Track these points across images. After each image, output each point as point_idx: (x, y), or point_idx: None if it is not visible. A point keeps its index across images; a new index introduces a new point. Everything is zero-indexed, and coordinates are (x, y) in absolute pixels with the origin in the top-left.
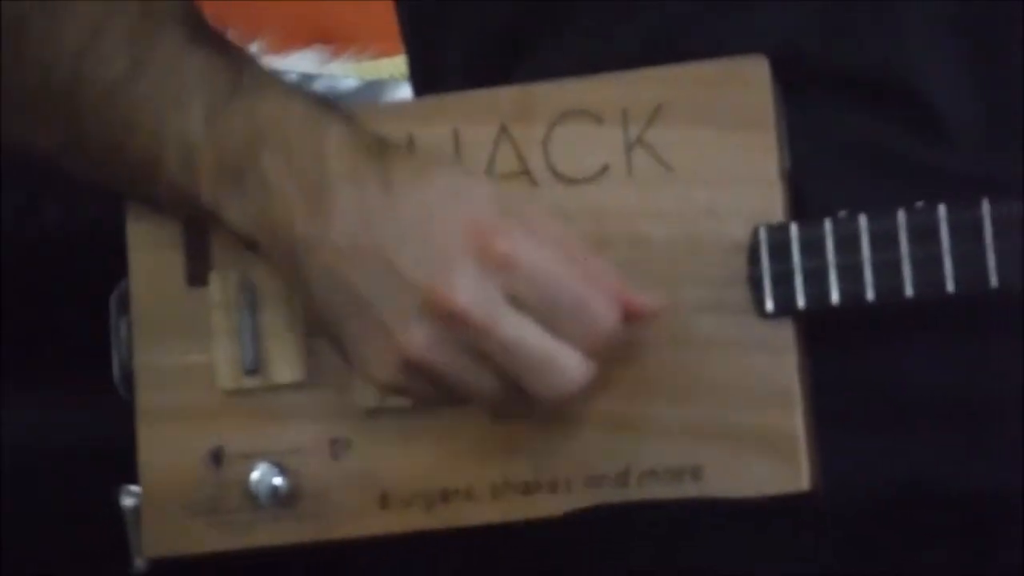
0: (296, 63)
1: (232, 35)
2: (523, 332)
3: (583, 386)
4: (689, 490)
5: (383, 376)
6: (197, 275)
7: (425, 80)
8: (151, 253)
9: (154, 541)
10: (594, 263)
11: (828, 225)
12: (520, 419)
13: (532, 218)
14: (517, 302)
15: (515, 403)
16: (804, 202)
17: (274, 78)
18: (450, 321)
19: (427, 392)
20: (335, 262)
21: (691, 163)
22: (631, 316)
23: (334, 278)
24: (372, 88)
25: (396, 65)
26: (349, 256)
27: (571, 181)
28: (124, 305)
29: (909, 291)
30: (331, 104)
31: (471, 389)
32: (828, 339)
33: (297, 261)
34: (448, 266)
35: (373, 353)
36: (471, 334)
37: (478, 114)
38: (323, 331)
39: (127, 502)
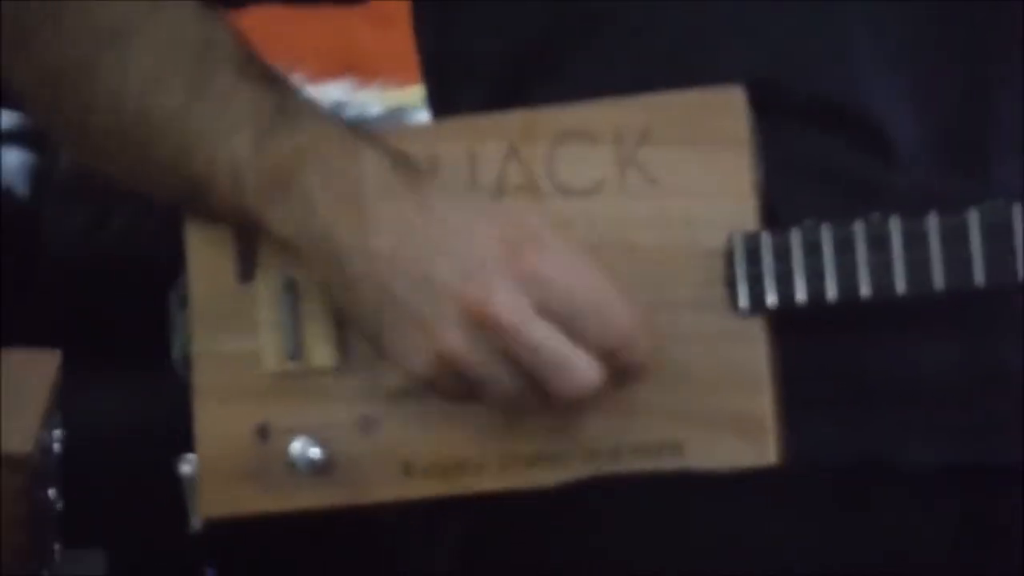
0: (328, 92)
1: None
2: (547, 337)
3: (597, 387)
4: (670, 464)
5: (419, 368)
6: (246, 273)
7: (441, 107)
8: (206, 254)
9: (208, 503)
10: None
11: (795, 233)
12: (533, 413)
13: (551, 228)
14: (543, 311)
15: (532, 400)
16: (774, 213)
17: (313, 106)
18: (484, 325)
19: (455, 386)
20: (376, 270)
21: (676, 178)
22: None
23: (375, 284)
24: (395, 114)
25: (416, 93)
26: (389, 265)
27: (571, 193)
28: (183, 299)
29: (865, 292)
30: (363, 130)
31: (496, 385)
32: (796, 332)
33: (339, 268)
34: (485, 277)
35: (411, 348)
36: (502, 337)
37: (489, 135)
38: (361, 326)
39: (185, 469)
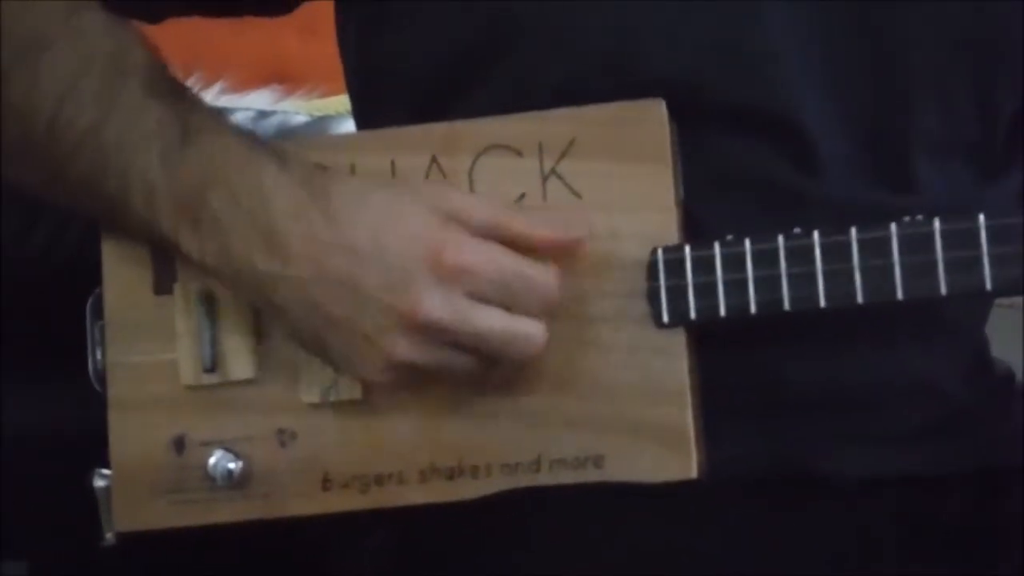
0: (254, 101)
1: (199, 75)
2: (488, 321)
3: (544, 343)
4: (592, 476)
5: (374, 377)
6: (162, 285)
7: (365, 117)
8: (122, 266)
9: (123, 518)
10: (520, 226)
11: (717, 247)
12: (496, 385)
13: (461, 208)
14: (476, 296)
15: (488, 373)
16: (696, 226)
17: (217, 122)
18: (425, 329)
19: (416, 379)
20: (303, 292)
21: (598, 192)
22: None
23: (306, 306)
24: (320, 123)
25: (342, 103)
26: (315, 285)
27: None
28: (98, 311)
29: (787, 305)
30: (264, 144)
31: (453, 372)
32: (719, 344)
33: (265, 295)
34: (411, 285)
35: (360, 360)
36: (444, 335)
37: (412, 146)
38: (300, 342)
39: (99, 483)
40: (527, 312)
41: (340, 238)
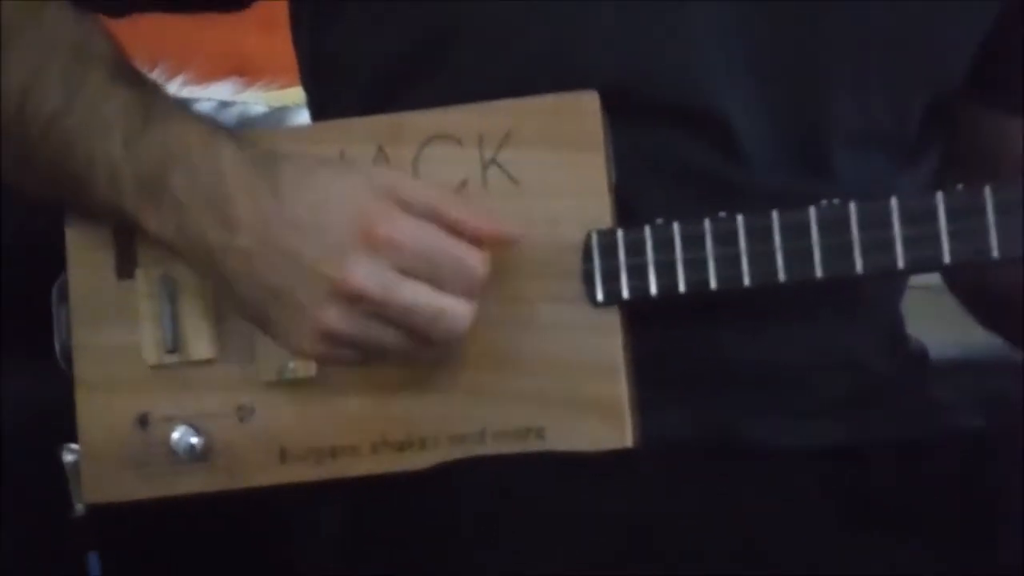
0: (215, 92)
1: (163, 67)
2: (415, 295)
3: (469, 324)
4: (534, 446)
5: (306, 348)
6: (125, 269)
7: (318, 108)
8: (86, 251)
9: (91, 490)
10: (457, 213)
11: (648, 230)
12: (426, 361)
13: (402, 189)
14: (405, 271)
15: (418, 350)
16: (631, 212)
17: (178, 108)
18: (354, 300)
19: (345, 355)
20: (246, 262)
21: (535, 178)
22: (500, 243)
23: (248, 275)
24: (278, 114)
25: (298, 94)
26: (257, 256)
27: None
28: (64, 295)
29: (713, 285)
30: (223, 128)
31: (382, 347)
32: (653, 321)
33: (214, 264)
34: (344, 256)
35: (294, 331)
36: (372, 305)
37: (359, 137)
38: (245, 315)
39: (68, 457)
40: (454, 291)
41: (284, 212)
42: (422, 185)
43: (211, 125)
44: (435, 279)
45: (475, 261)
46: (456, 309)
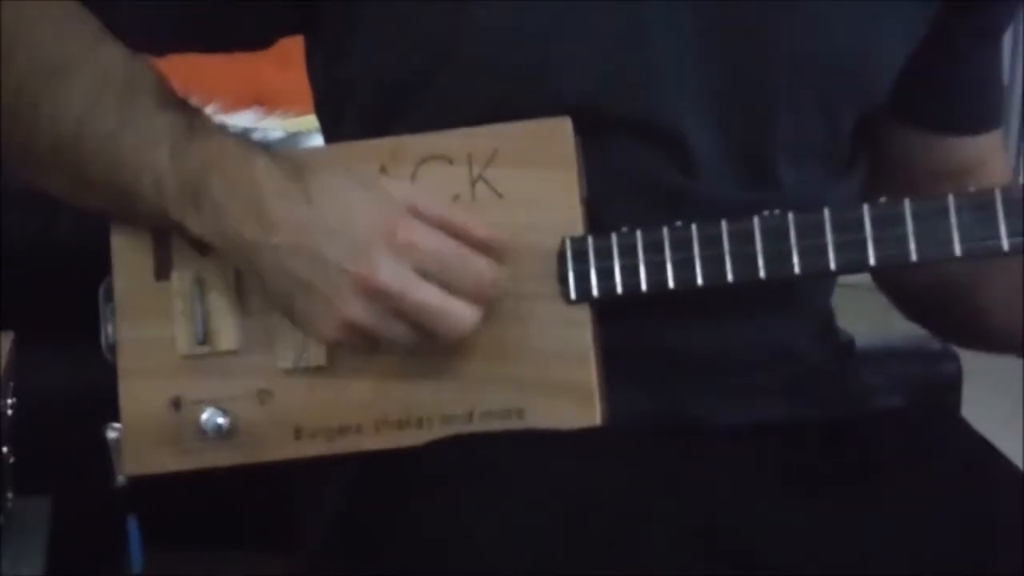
0: (239, 120)
1: (194, 98)
2: (427, 294)
3: (473, 326)
4: (515, 425)
5: (329, 335)
6: (162, 272)
7: (330, 132)
8: (128, 256)
9: (131, 463)
10: (463, 222)
11: (614, 237)
12: (429, 354)
13: (417, 200)
14: (420, 273)
15: (424, 345)
16: (599, 221)
17: (216, 126)
18: (375, 293)
19: (361, 343)
20: (280, 258)
21: (517, 192)
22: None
23: (280, 270)
24: (294, 138)
25: (312, 121)
26: (289, 253)
27: None
28: (108, 294)
29: (671, 284)
30: (257, 143)
31: (393, 338)
32: (619, 316)
33: (249, 259)
34: (368, 255)
35: (319, 320)
36: (390, 300)
37: (364, 157)
38: (274, 305)
39: (111, 435)
40: (463, 294)
41: (315, 215)
42: (434, 198)
43: (244, 140)
44: (446, 282)
45: (481, 267)
46: (462, 311)
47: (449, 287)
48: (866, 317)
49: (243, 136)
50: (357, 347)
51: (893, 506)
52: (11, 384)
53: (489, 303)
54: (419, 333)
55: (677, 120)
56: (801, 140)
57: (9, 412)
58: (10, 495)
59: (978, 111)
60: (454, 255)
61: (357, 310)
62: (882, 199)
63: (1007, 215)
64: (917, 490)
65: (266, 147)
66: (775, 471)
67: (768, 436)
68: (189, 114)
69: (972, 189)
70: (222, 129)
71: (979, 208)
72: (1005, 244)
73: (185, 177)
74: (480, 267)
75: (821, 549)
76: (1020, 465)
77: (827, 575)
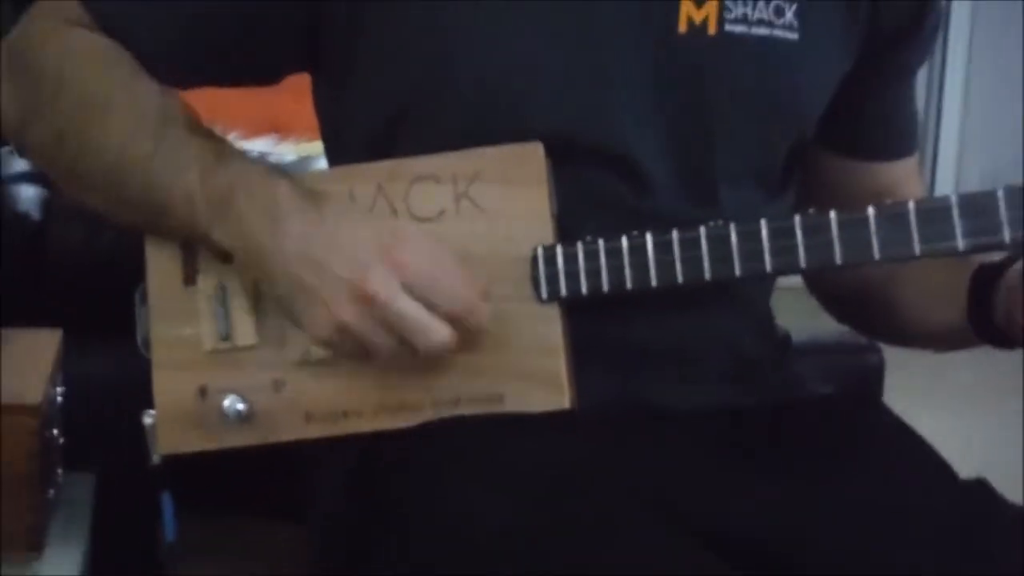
0: (257, 146)
1: (217, 126)
2: (409, 307)
3: (448, 344)
4: (495, 409)
5: (323, 334)
6: (189, 278)
7: (333, 156)
8: (160, 265)
9: (164, 444)
10: (454, 265)
11: (580, 245)
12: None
13: (411, 238)
14: (407, 289)
15: (404, 355)
16: (566, 231)
17: (240, 152)
18: (365, 299)
19: (350, 347)
20: (289, 264)
21: (496, 207)
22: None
23: (287, 275)
24: (304, 162)
25: (319, 146)
26: (297, 260)
27: (422, 219)
28: (143, 298)
29: (629, 286)
30: (278, 168)
31: (377, 344)
32: (586, 313)
33: (262, 264)
34: (365, 268)
35: (316, 321)
36: (378, 309)
37: (364, 178)
38: (280, 306)
39: (147, 420)
40: (439, 314)
41: (325, 232)
42: (436, 245)
43: (266, 165)
44: (428, 302)
45: (463, 292)
46: (438, 328)
47: (430, 306)
48: (800, 316)
49: (265, 162)
50: (347, 351)
51: (824, 477)
52: (60, 375)
53: (464, 329)
54: (400, 345)
55: (634, 148)
56: (739, 165)
57: (59, 400)
58: (60, 471)
59: (895, 140)
60: (437, 280)
61: (349, 314)
62: (811, 210)
63: (919, 224)
64: (844, 464)
65: (288, 174)
66: (723, 449)
67: (717, 418)
68: (215, 141)
69: (889, 201)
70: (244, 156)
71: (894, 218)
72: (917, 249)
73: (214, 195)
74: (458, 293)
75: (764, 514)
76: (931, 442)
77: (769, 536)
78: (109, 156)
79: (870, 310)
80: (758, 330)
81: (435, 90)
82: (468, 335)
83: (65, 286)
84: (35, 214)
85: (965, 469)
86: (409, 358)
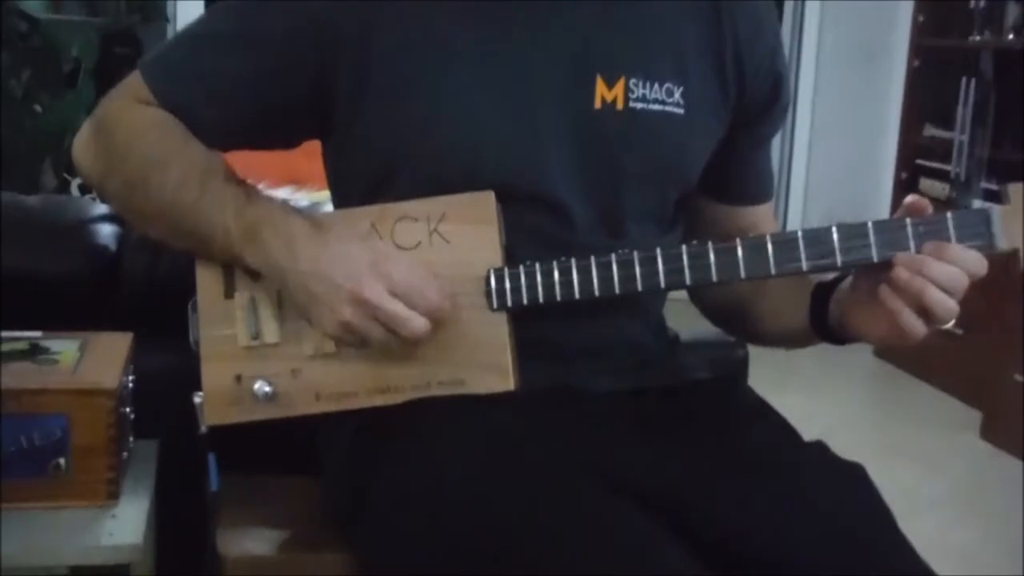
0: (279, 192)
1: (249, 179)
2: (395, 306)
3: (425, 333)
4: (459, 391)
5: (330, 330)
6: (228, 292)
7: (337, 202)
8: (207, 281)
9: (210, 417)
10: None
11: (522, 268)
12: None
13: (393, 256)
14: (393, 292)
15: (394, 343)
16: (512, 257)
17: (266, 195)
18: (361, 302)
19: (351, 338)
20: (302, 279)
21: (460, 240)
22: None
23: (301, 287)
24: (315, 205)
25: (327, 194)
26: (309, 275)
27: (404, 248)
28: (195, 307)
29: (559, 298)
30: (295, 208)
31: (372, 336)
32: (526, 319)
33: (283, 279)
34: (359, 277)
35: (325, 319)
36: (370, 308)
37: (360, 218)
38: (298, 310)
39: (196, 400)
40: (419, 310)
41: (329, 252)
42: (414, 266)
43: (285, 205)
44: (409, 301)
45: (433, 295)
46: (417, 320)
47: (411, 305)
48: (686, 320)
49: (284, 202)
50: (351, 342)
51: (704, 440)
52: (131, 367)
53: (436, 321)
54: (388, 335)
55: (561, 195)
56: (641, 208)
57: (130, 385)
58: (131, 439)
59: (755, 190)
60: (414, 285)
61: (349, 314)
62: (695, 241)
63: (774, 251)
64: (719, 430)
65: (302, 211)
66: (629, 420)
67: (624, 398)
68: (246, 188)
69: (752, 235)
70: (269, 198)
71: (756, 247)
72: (772, 270)
73: (245, 228)
74: (431, 294)
75: (660, 467)
76: (784, 416)
77: (663, 483)
78: (165, 200)
79: (737, 317)
80: (654, 331)
81: (413, 152)
82: (439, 326)
83: (135, 299)
84: (112, 246)
85: (808, 435)
86: (397, 346)
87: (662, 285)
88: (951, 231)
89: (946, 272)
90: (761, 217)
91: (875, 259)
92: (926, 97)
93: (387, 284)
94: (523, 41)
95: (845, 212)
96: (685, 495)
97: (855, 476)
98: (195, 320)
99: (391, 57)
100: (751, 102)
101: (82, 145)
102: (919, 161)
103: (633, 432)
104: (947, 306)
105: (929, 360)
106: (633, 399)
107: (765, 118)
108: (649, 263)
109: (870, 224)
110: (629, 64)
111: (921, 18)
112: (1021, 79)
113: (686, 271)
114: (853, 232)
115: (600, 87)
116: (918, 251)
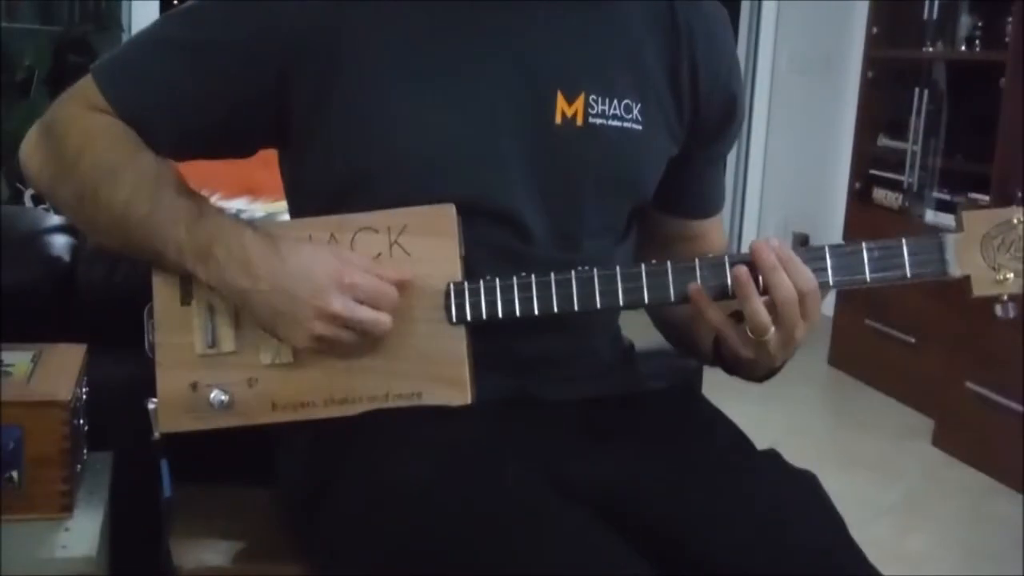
0: (235, 204)
1: (203, 190)
2: (363, 313)
3: (390, 326)
4: (416, 402)
5: (302, 345)
6: (185, 300)
7: (295, 212)
8: (163, 288)
9: (163, 424)
10: (380, 270)
11: (481, 282)
12: (360, 356)
13: (353, 257)
14: (358, 299)
15: (363, 343)
16: (471, 271)
17: (218, 209)
18: (330, 317)
19: (324, 348)
20: (265, 298)
21: (420, 252)
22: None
23: (265, 305)
24: (272, 216)
25: (284, 205)
26: (272, 294)
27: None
28: (150, 313)
29: (518, 313)
30: (244, 220)
31: (343, 340)
32: (484, 333)
33: (244, 299)
34: (326, 293)
35: (296, 336)
36: (341, 320)
37: (319, 228)
38: (261, 326)
39: (150, 406)
40: (383, 309)
41: (287, 268)
42: (363, 257)
43: (236, 218)
44: (373, 303)
45: (392, 293)
46: (384, 318)
47: (375, 305)
48: (640, 333)
49: (236, 215)
50: (322, 351)
51: (659, 445)
52: (84, 378)
53: (396, 314)
54: (357, 335)
55: (520, 210)
56: (597, 222)
57: (83, 397)
58: (85, 451)
59: (706, 204)
60: (378, 288)
61: (320, 328)
62: (653, 260)
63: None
64: (674, 436)
65: (252, 223)
66: (586, 427)
67: (582, 406)
68: (198, 201)
69: (709, 255)
70: (220, 211)
71: (714, 268)
72: (731, 291)
73: (196, 246)
74: (392, 293)
75: (616, 471)
76: (736, 423)
77: (620, 487)
78: (117, 211)
79: (680, 336)
80: (611, 342)
81: (375, 164)
82: (397, 336)
83: (89, 311)
84: (65, 257)
85: (761, 443)
86: (366, 345)
87: (621, 303)
88: (905, 256)
89: (784, 282)
90: (709, 229)
91: (831, 284)
92: (880, 108)
93: (353, 294)
94: (486, 56)
95: (800, 222)
96: (639, 503)
97: (807, 484)
98: (151, 326)
99: (354, 70)
100: (705, 119)
101: (30, 148)
102: (873, 171)
103: (589, 441)
104: (763, 319)
105: (881, 368)
106: (589, 408)
107: (719, 136)
108: (608, 282)
109: (827, 248)
110: (589, 80)
111: (875, 29)
112: (973, 90)
113: (644, 290)
114: (812, 255)
115: (560, 102)
116: (869, 277)
